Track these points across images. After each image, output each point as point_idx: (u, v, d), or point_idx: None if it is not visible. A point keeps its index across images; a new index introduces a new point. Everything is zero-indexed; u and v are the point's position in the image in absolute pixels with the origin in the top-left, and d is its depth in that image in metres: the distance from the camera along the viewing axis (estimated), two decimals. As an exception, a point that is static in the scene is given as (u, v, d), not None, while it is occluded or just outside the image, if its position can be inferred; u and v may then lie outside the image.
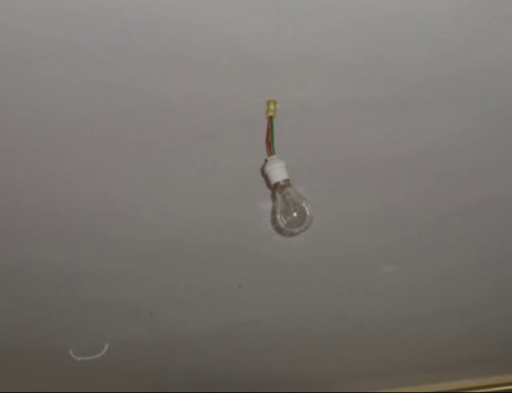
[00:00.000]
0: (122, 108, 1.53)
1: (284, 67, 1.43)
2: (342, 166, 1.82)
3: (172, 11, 1.25)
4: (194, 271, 2.36)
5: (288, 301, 2.66)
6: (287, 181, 1.55)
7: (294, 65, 1.42)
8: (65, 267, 2.26)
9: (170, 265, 2.30)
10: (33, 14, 1.23)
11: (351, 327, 2.98)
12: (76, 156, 1.70)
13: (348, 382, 3.80)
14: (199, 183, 1.85)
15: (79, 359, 2.98)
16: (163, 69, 1.41)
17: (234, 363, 3.37)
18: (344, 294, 2.64)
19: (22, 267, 2.24)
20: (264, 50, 1.37)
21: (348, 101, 1.56)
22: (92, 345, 2.93)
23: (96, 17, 1.25)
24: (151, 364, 3.32)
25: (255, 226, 2.08)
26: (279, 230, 1.96)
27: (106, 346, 2.95)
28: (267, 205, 1.95)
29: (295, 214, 1.58)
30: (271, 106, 1.53)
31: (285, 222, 1.59)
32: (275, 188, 1.56)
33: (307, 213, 1.58)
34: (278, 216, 1.59)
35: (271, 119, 1.55)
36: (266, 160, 1.57)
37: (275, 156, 1.55)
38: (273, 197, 1.83)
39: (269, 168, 1.55)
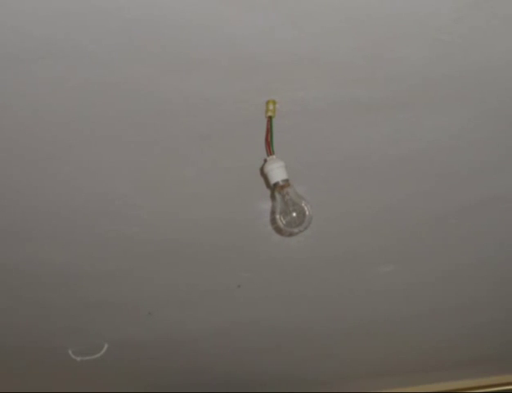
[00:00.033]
0: (121, 108, 1.53)
1: (283, 67, 1.43)
2: (341, 166, 1.82)
3: (171, 11, 1.25)
4: (193, 271, 2.36)
5: (287, 301, 2.66)
6: (286, 181, 1.55)
7: (293, 65, 1.42)
8: (65, 267, 2.26)
9: (169, 265, 2.30)
10: (33, 14, 1.23)
11: (350, 327, 2.99)
12: (76, 156, 1.70)
13: (348, 382, 3.80)
14: (198, 183, 1.85)
15: (78, 359, 2.98)
16: (162, 69, 1.41)
17: (233, 363, 3.37)
18: (344, 294, 2.64)
19: (22, 267, 2.24)
20: (263, 50, 1.37)
21: (347, 101, 1.56)
22: (91, 345, 2.93)
23: (95, 17, 1.25)
24: (151, 364, 3.32)
25: (254, 226, 2.08)
26: (278, 230, 1.96)
27: (106, 346, 2.94)
28: (267, 205, 1.95)
29: (294, 214, 1.58)
30: (271, 106, 1.53)
31: (284, 222, 1.59)
32: (274, 188, 1.57)
33: (307, 213, 1.58)
34: (277, 216, 1.59)
35: (270, 119, 1.55)
36: (265, 160, 1.57)
37: (274, 156, 1.55)
38: (272, 197, 1.83)
39: (268, 168, 1.55)
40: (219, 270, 2.36)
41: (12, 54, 1.33)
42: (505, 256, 2.41)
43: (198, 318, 2.76)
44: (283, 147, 1.58)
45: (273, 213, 1.68)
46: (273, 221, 1.70)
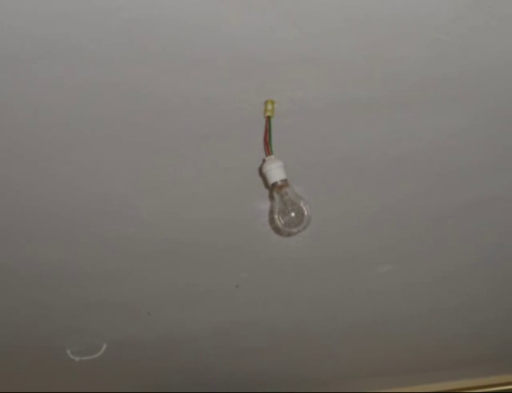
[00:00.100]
0: (121, 108, 1.53)
1: (282, 67, 1.43)
2: (340, 166, 1.82)
3: (170, 11, 1.26)
4: (192, 271, 2.36)
5: (286, 301, 2.66)
6: (285, 181, 1.55)
7: (292, 64, 1.43)
8: (64, 267, 2.26)
9: (168, 265, 2.30)
10: (33, 14, 1.24)
11: (350, 327, 2.98)
12: (75, 156, 1.70)
13: (347, 382, 3.80)
14: (197, 183, 1.86)
15: (77, 359, 2.98)
16: (161, 69, 1.41)
17: (233, 363, 3.36)
18: (343, 294, 2.64)
19: (20, 267, 2.24)
20: (262, 50, 1.38)
21: (346, 100, 1.56)
22: (89, 345, 2.93)
23: (95, 17, 1.26)
24: (149, 364, 3.32)
25: (253, 226, 2.08)
26: (277, 230, 1.96)
27: (104, 346, 2.94)
28: (265, 205, 1.95)
29: (293, 214, 1.58)
30: (269, 106, 1.53)
31: (282, 222, 1.59)
32: (273, 188, 1.57)
33: (305, 213, 1.58)
34: (276, 216, 1.59)
35: (268, 119, 1.55)
36: (264, 160, 1.57)
37: (273, 156, 1.55)
38: (271, 197, 1.83)
39: (267, 168, 1.55)
40: (218, 270, 2.36)
41: (12, 54, 1.33)
42: (504, 256, 2.41)
43: (197, 318, 2.76)
44: (281, 147, 1.58)
45: (272, 213, 1.68)
46: (272, 221, 1.70)
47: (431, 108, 1.61)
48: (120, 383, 3.56)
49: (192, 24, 1.29)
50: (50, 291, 2.43)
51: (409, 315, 2.89)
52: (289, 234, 1.93)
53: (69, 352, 2.96)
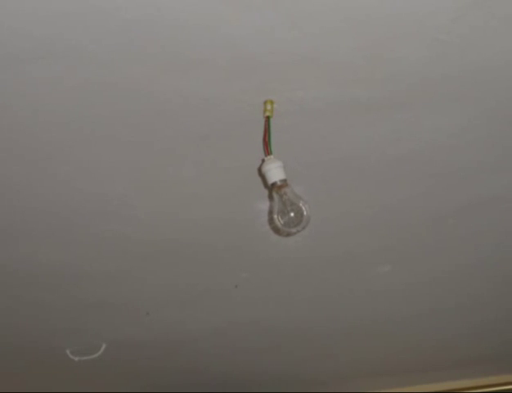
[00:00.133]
0: (120, 108, 1.53)
1: (281, 67, 1.43)
2: (339, 166, 1.82)
3: (170, 11, 1.25)
4: (191, 271, 2.36)
5: (285, 301, 2.66)
6: (284, 181, 1.55)
7: (291, 64, 1.42)
8: (63, 267, 2.26)
9: (168, 265, 2.30)
10: (33, 14, 1.23)
11: (349, 327, 2.98)
12: (75, 156, 1.70)
13: (347, 382, 3.80)
14: (196, 183, 1.86)
15: (76, 358, 2.98)
16: (161, 69, 1.41)
17: (232, 363, 3.36)
18: (343, 294, 2.64)
19: (19, 267, 2.24)
20: (262, 50, 1.38)
21: (345, 100, 1.56)
22: (89, 345, 2.93)
23: (95, 17, 1.26)
24: (148, 364, 3.32)
25: (252, 226, 2.08)
26: (276, 230, 1.96)
27: (103, 346, 2.95)
28: (265, 205, 1.95)
29: (292, 214, 1.58)
30: (269, 106, 1.53)
31: (282, 222, 1.59)
32: (272, 188, 1.56)
33: (305, 213, 1.58)
34: (275, 216, 1.59)
35: (268, 119, 1.55)
36: (263, 160, 1.57)
37: (272, 156, 1.55)
38: (270, 197, 1.83)
39: (266, 168, 1.55)
40: (217, 270, 2.36)
41: (11, 54, 1.33)
42: (504, 256, 2.41)
43: (196, 318, 2.76)
44: (281, 147, 1.58)
45: (271, 213, 1.68)
46: (271, 221, 1.70)
47: (431, 108, 1.61)
48: (119, 383, 3.57)
49: (192, 25, 1.29)
50: (49, 291, 2.43)
51: (409, 315, 2.89)
52: (289, 234, 1.93)
53: (68, 352, 2.97)
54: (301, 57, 1.41)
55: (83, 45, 1.32)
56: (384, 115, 1.62)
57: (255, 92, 1.51)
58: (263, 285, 2.50)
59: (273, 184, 1.55)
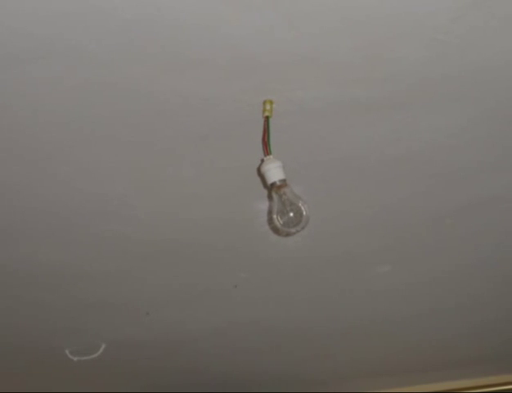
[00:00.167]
0: (120, 108, 1.53)
1: (280, 67, 1.43)
2: (339, 166, 1.82)
3: (169, 11, 1.25)
4: (191, 271, 2.36)
5: (284, 301, 2.66)
6: (283, 181, 1.55)
7: (290, 64, 1.42)
8: (62, 267, 2.26)
9: (167, 265, 2.30)
10: (32, 14, 1.23)
11: (349, 327, 2.98)
12: (74, 156, 1.70)
13: (346, 382, 3.80)
14: (195, 183, 1.85)
15: (75, 359, 2.98)
16: (160, 69, 1.41)
17: (231, 363, 3.37)
18: (342, 294, 2.64)
19: (19, 267, 2.24)
20: (261, 50, 1.37)
21: (344, 100, 1.55)
22: (88, 345, 2.93)
23: (94, 17, 1.25)
24: (148, 364, 3.32)
25: (252, 226, 2.07)
26: (275, 230, 1.96)
27: (103, 346, 2.95)
28: (264, 205, 1.95)
29: (292, 214, 1.58)
30: (268, 106, 1.53)
31: (281, 222, 1.59)
32: (271, 188, 1.56)
33: (304, 213, 1.58)
34: (274, 216, 1.59)
35: (267, 119, 1.55)
36: (262, 160, 1.57)
37: (271, 156, 1.55)
38: (270, 197, 1.83)
39: (265, 168, 1.55)
40: (216, 270, 2.36)
41: (11, 54, 1.33)
42: (504, 256, 2.41)
43: (196, 318, 2.76)
44: (280, 147, 1.58)
45: (270, 213, 1.68)
46: (270, 221, 1.70)
47: (430, 108, 1.61)
48: (119, 383, 3.57)
49: (191, 24, 1.29)
50: (48, 291, 2.43)
51: (408, 315, 2.90)
52: (288, 234, 1.92)
53: (67, 352, 2.97)
54: (300, 57, 1.41)
55: (82, 45, 1.32)
56: (383, 115, 1.62)
57: (254, 92, 1.51)
58: (263, 285, 2.50)
59: (272, 184, 1.55)
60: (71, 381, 3.48)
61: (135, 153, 1.71)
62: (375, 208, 2.05)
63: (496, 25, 1.35)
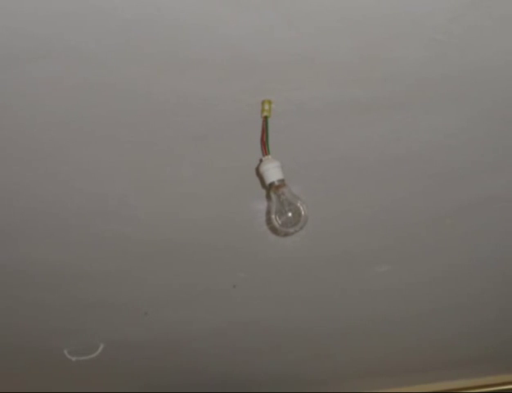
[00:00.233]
0: (119, 108, 1.53)
1: (279, 67, 1.43)
2: (337, 166, 1.82)
3: (168, 11, 1.25)
4: (189, 271, 2.36)
5: (283, 301, 2.66)
6: (282, 181, 1.55)
7: (289, 64, 1.42)
8: (62, 267, 2.26)
9: (165, 265, 2.30)
10: (31, 14, 1.23)
11: (348, 327, 2.99)
12: (73, 156, 1.70)
13: (346, 382, 3.80)
14: (194, 183, 1.85)
15: (74, 359, 2.98)
16: (159, 69, 1.41)
17: (230, 363, 3.37)
18: (341, 294, 2.64)
19: (18, 267, 2.24)
20: (259, 50, 1.37)
21: (343, 101, 1.55)
22: (86, 345, 2.93)
23: (93, 17, 1.25)
24: (147, 364, 3.32)
25: (250, 226, 2.07)
26: (274, 230, 1.96)
27: (101, 346, 2.95)
28: (262, 205, 1.95)
29: (290, 214, 1.58)
30: (266, 106, 1.53)
31: (279, 222, 1.58)
32: (270, 188, 1.56)
33: (302, 213, 1.58)
34: (273, 216, 1.58)
35: (265, 119, 1.55)
36: (261, 160, 1.57)
37: (270, 156, 1.55)
38: (268, 197, 1.83)
39: (264, 168, 1.54)
40: (215, 270, 2.36)
41: (11, 54, 1.33)
42: (502, 256, 2.41)
43: (194, 318, 2.76)
44: (278, 147, 1.57)
45: (269, 213, 1.68)
46: (269, 221, 1.70)
47: (428, 108, 1.61)
48: (117, 383, 3.57)
49: (190, 25, 1.29)
50: (47, 291, 2.43)
51: (408, 315, 2.90)
52: (286, 234, 1.92)
53: (66, 352, 2.97)
54: (299, 57, 1.40)
55: (82, 45, 1.32)
56: (382, 115, 1.62)
57: (253, 92, 1.51)
58: (261, 285, 2.50)
59: (271, 184, 1.55)
60: (70, 382, 3.48)
61: (134, 153, 1.71)
62: (374, 208, 2.05)
63: (495, 25, 1.35)
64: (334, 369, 3.63)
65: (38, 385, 3.52)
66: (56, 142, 1.63)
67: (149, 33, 1.30)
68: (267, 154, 1.55)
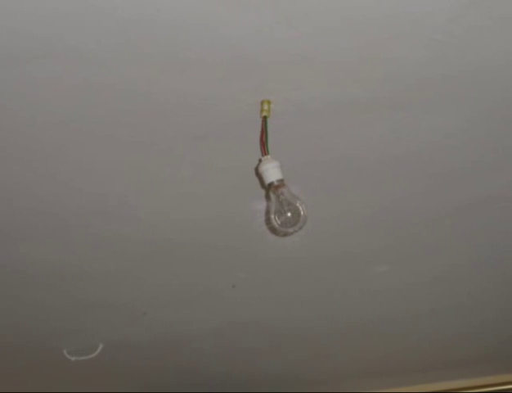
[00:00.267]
0: (118, 108, 1.53)
1: (278, 67, 1.43)
2: (337, 166, 1.82)
3: (168, 11, 1.25)
4: (188, 271, 2.36)
5: (282, 301, 2.66)
6: (281, 181, 1.54)
7: (288, 65, 1.42)
8: (61, 267, 2.26)
9: (165, 265, 2.30)
10: (32, 14, 1.23)
11: (348, 326, 2.99)
12: (73, 156, 1.70)
13: (346, 382, 3.80)
14: (193, 183, 1.85)
15: (73, 358, 2.98)
16: (159, 69, 1.41)
17: (230, 363, 3.37)
18: (340, 294, 2.64)
19: (17, 267, 2.24)
20: (259, 50, 1.37)
21: (342, 101, 1.55)
22: (86, 345, 2.93)
23: (92, 17, 1.25)
24: (146, 364, 3.32)
25: (249, 226, 2.07)
26: (273, 230, 1.95)
27: (100, 346, 2.95)
28: (261, 205, 1.95)
29: (289, 214, 1.57)
30: (266, 106, 1.53)
31: (279, 222, 1.58)
32: (269, 188, 1.56)
33: (302, 213, 1.58)
34: (272, 216, 1.58)
35: (265, 119, 1.54)
36: (260, 160, 1.57)
37: (269, 156, 1.55)
38: (267, 197, 1.83)
39: (263, 168, 1.54)
40: (214, 270, 2.36)
41: (10, 54, 1.33)
42: (501, 256, 2.41)
43: (194, 318, 2.76)
44: (278, 147, 1.57)
45: (268, 213, 1.68)
46: (268, 221, 1.69)
47: (428, 108, 1.61)
48: (117, 383, 3.57)
49: (188, 24, 1.29)
50: (47, 291, 2.43)
51: (408, 315, 2.90)
52: (286, 234, 1.92)
53: (65, 352, 2.97)
54: (298, 57, 1.40)
55: (82, 45, 1.32)
56: (381, 115, 1.62)
57: (252, 92, 1.51)
58: (261, 285, 2.50)
59: (270, 184, 1.54)
60: (69, 382, 3.48)
61: (134, 153, 1.71)
62: (373, 208, 2.05)
63: (495, 25, 1.35)
64: (334, 369, 3.63)
65: (38, 385, 3.52)
66: (56, 142, 1.63)
67: (149, 34, 1.30)
68: (266, 154, 1.55)
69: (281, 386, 3.74)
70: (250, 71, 1.44)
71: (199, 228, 2.08)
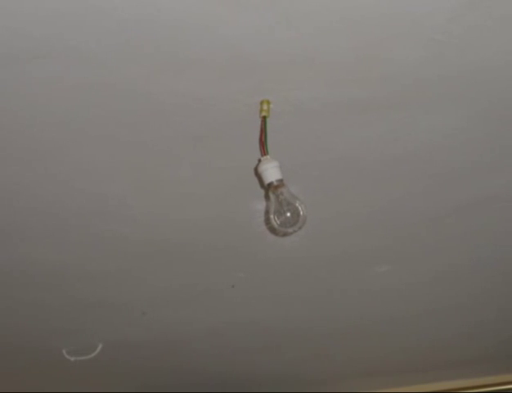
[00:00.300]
0: (118, 108, 1.53)
1: (277, 67, 1.43)
2: (336, 166, 1.82)
3: (167, 11, 1.25)
4: (187, 271, 2.36)
5: (282, 301, 2.66)
6: (280, 181, 1.54)
7: (287, 65, 1.42)
8: (60, 267, 2.26)
9: (164, 265, 2.30)
10: (32, 14, 1.23)
11: (347, 326, 2.99)
12: (72, 156, 1.70)
13: (345, 382, 3.80)
14: (192, 183, 1.85)
15: (72, 359, 2.98)
16: (157, 69, 1.41)
17: (229, 363, 3.37)
18: (340, 294, 2.64)
19: (17, 267, 2.24)
20: (258, 50, 1.37)
21: (341, 101, 1.55)
22: (85, 345, 2.93)
23: (92, 17, 1.25)
24: (145, 364, 3.32)
25: (249, 226, 2.07)
26: (272, 230, 1.96)
27: (100, 346, 2.95)
28: (261, 205, 1.95)
29: (289, 214, 1.57)
30: (265, 106, 1.53)
31: (278, 222, 1.58)
32: (268, 188, 1.56)
33: (301, 213, 1.58)
34: (271, 216, 1.58)
35: (264, 119, 1.54)
36: (259, 160, 1.57)
37: (268, 156, 1.55)
38: (267, 197, 1.83)
39: (262, 168, 1.54)
40: (213, 270, 2.36)
41: (10, 54, 1.33)
42: (500, 256, 2.41)
43: (193, 318, 2.76)
44: (277, 147, 1.57)
45: (267, 213, 1.68)
46: (267, 221, 1.70)
47: (427, 108, 1.61)
48: (116, 383, 3.57)
49: (190, 25, 1.29)
50: (46, 291, 2.43)
51: (407, 315, 2.90)
52: (285, 234, 1.92)
53: (64, 352, 2.97)
54: (298, 57, 1.40)
55: (82, 45, 1.32)
56: (380, 115, 1.62)
57: (252, 92, 1.50)
58: (260, 285, 2.49)
59: (269, 184, 1.55)
60: (68, 382, 3.48)
61: (133, 153, 1.71)
62: (372, 208, 2.05)
63: (495, 25, 1.35)
64: (334, 369, 3.63)
65: (37, 385, 3.52)
66: (55, 142, 1.63)
67: (148, 34, 1.30)
68: (265, 154, 1.55)
69: (281, 386, 3.74)
70: (250, 71, 1.44)
71: (199, 228, 2.08)
